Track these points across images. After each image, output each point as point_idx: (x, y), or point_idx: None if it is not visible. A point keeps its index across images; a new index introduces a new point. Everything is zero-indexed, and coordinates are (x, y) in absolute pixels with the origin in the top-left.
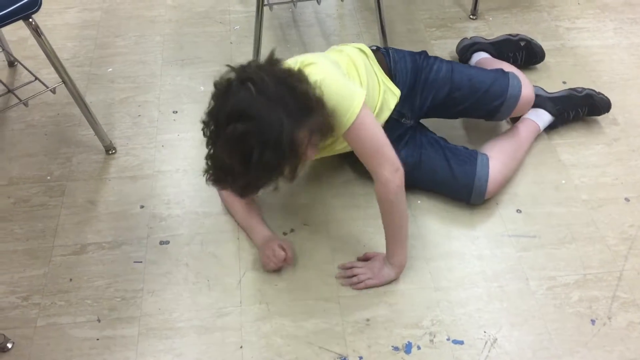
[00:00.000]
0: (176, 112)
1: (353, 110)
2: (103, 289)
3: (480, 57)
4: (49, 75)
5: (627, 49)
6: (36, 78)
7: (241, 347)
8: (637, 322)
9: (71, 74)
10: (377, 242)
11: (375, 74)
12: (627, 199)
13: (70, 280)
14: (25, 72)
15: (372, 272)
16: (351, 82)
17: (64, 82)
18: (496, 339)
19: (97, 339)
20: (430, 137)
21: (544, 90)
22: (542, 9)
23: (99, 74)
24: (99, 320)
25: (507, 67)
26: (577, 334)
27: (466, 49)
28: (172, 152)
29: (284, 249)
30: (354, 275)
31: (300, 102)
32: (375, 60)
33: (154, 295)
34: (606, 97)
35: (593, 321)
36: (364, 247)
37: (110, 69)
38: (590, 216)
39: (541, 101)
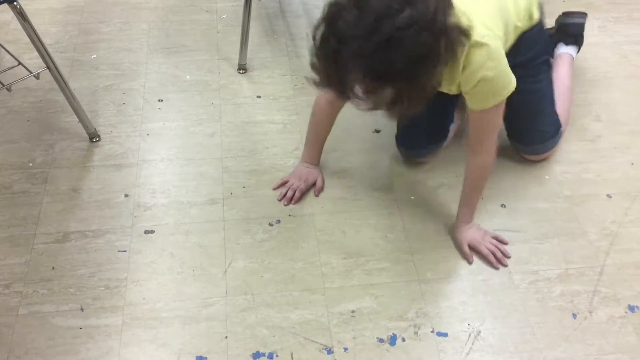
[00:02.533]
0: (162, 100)
1: (499, 98)
2: (86, 278)
3: (562, 59)
4: (31, 61)
5: (610, 48)
6: (19, 63)
7: (226, 337)
8: (617, 316)
9: (54, 60)
10: (364, 234)
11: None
12: (608, 196)
13: (53, 268)
14: (7, 56)
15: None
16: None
17: (48, 67)
18: (479, 332)
19: (80, 328)
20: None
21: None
22: None
23: (82, 60)
24: (82, 309)
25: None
26: (559, 328)
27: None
28: (158, 141)
29: (314, 183)
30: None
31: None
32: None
33: (138, 285)
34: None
35: (574, 315)
36: (350, 239)
37: (95, 56)
38: (573, 212)
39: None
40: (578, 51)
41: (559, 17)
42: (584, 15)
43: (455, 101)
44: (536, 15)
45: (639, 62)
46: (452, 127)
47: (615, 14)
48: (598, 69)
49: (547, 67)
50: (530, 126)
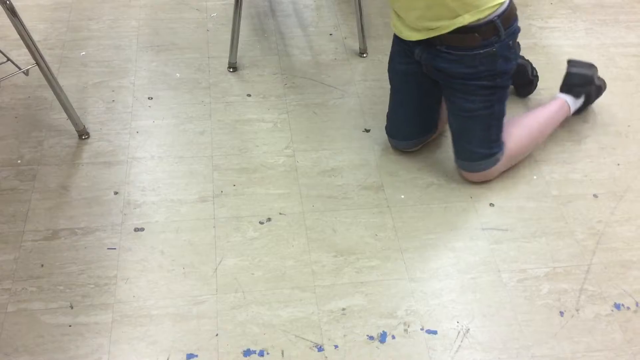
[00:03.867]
0: (151, 98)
1: None
2: (76, 275)
3: (554, 100)
4: (20, 57)
5: (597, 49)
6: (8, 59)
7: (217, 335)
8: (603, 314)
9: (43, 56)
10: (354, 233)
11: None
12: (595, 195)
13: (42, 265)
14: None
15: None
16: None
17: (37, 63)
18: (468, 329)
19: (70, 326)
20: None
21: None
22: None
23: (71, 57)
24: (71, 307)
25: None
26: (546, 325)
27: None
28: (147, 139)
29: None
30: None
31: None
32: None
33: (128, 283)
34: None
35: (562, 313)
36: (340, 238)
37: (84, 53)
38: (560, 211)
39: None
40: (581, 106)
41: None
42: (587, 65)
43: (441, 93)
44: (485, 13)
45: (625, 64)
46: (441, 119)
47: (602, 16)
48: None
49: (488, 92)
50: (457, 140)
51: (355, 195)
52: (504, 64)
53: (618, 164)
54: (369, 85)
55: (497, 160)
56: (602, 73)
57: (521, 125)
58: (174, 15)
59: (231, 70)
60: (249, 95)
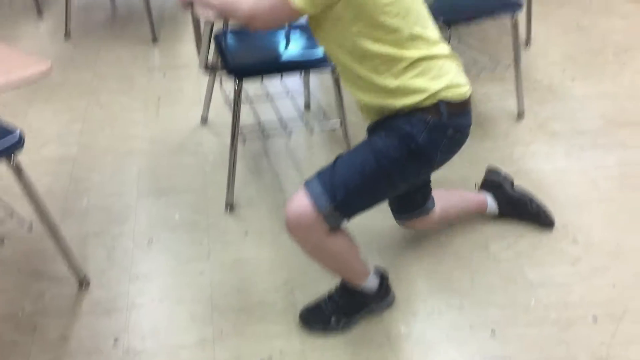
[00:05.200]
0: (151, 241)
1: None
2: None
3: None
4: (23, 208)
5: (578, 173)
6: (12, 214)
7: None
8: None
9: (46, 210)
10: None
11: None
12: (594, 317)
13: None
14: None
15: None
16: None
17: (40, 217)
18: None
19: None
20: None
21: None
22: (498, 136)
23: (73, 207)
24: None
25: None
26: None
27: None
28: (147, 283)
29: None
30: None
31: None
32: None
33: None
34: (552, 218)
35: None
36: None
37: (85, 201)
38: (561, 336)
39: (500, 195)
40: (496, 209)
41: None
42: (495, 172)
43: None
44: (415, 99)
45: (607, 187)
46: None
47: (579, 141)
48: (568, 193)
49: (368, 149)
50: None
51: (355, 329)
52: (428, 140)
53: (613, 285)
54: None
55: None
56: (584, 195)
57: (447, 200)
58: (173, 160)
59: (229, 209)
60: (246, 233)
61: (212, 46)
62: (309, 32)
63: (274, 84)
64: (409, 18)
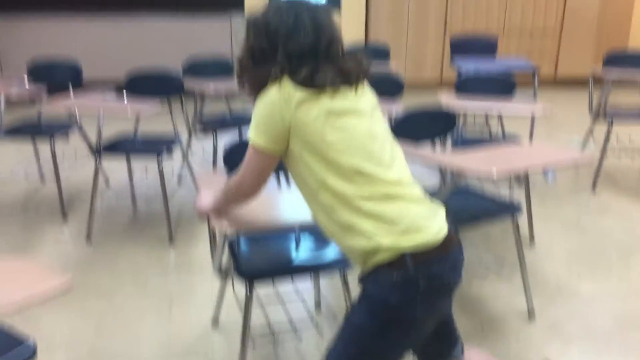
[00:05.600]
0: None
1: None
2: None
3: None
4: None
5: None
6: None
7: None
8: None
9: None
10: None
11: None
12: None
13: None
14: None
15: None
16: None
17: None
18: None
19: None
20: None
21: None
22: (510, 337)
23: None
24: None
25: None
26: None
27: None
28: None
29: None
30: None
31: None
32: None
33: None
34: None
35: None
36: None
37: None
38: None
39: None
40: None
41: None
42: None
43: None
44: (375, 259)
45: None
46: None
47: (594, 345)
48: None
49: (347, 331)
50: None
51: None
52: (400, 300)
53: None
54: None
55: None
56: None
57: None
58: None
59: None
60: None
61: (226, 250)
62: (318, 234)
63: (285, 283)
64: (358, 155)
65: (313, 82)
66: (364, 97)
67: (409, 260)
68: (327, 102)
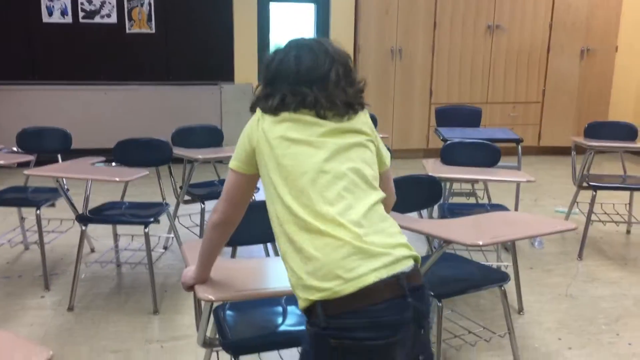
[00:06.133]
0: None
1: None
2: None
3: None
4: None
5: None
6: None
7: None
8: None
9: None
10: None
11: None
12: None
13: None
14: None
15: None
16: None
17: None
18: None
19: None
20: None
21: None
22: None
23: None
24: None
25: None
26: None
27: None
28: None
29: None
30: None
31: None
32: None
33: None
34: None
35: None
36: None
37: None
38: None
39: None
40: None
41: None
42: None
43: None
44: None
45: None
46: None
47: None
48: None
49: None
50: None
51: None
52: (313, 355)
53: None
54: None
55: None
56: None
57: None
58: None
59: None
60: None
61: (211, 320)
62: None
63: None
64: (302, 183)
65: (276, 109)
66: (341, 131)
67: (320, 309)
68: (285, 129)
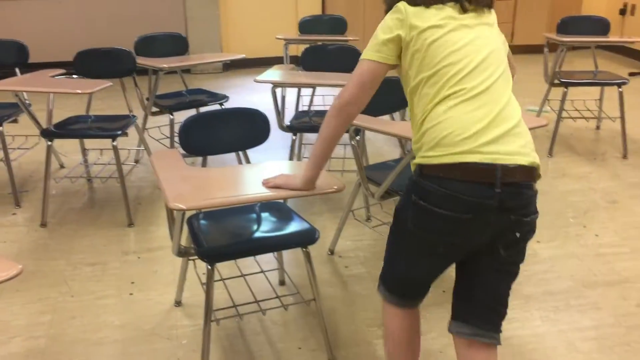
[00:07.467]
0: None
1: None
2: None
3: None
4: None
5: (556, 336)
6: None
7: None
8: None
9: None
10: None
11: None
12: None
13: None
14: None
15: (282, 178)
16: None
17: None
18: None
19: None
20: None
21: None
22: None
23: None
24: None
25: None
26: None
27: None
28: None
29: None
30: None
31: None
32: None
33: None
34: None
35: None
36: None
37: None
38: None
39: None
40: None
41: None
42: None
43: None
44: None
45: (585, 349)
46: None
47: (554, 303)
48: (550, 358)
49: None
50: None
51: None
52: (402, 205)
53: None
54: None
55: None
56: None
57: None
58: (145, 347)
59: None
60: None
61: (185, 229)
62: (279, 210)
63: (248, 259)
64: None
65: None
66: (481, 20)
67: (418, 169)
68: (434, 16)
